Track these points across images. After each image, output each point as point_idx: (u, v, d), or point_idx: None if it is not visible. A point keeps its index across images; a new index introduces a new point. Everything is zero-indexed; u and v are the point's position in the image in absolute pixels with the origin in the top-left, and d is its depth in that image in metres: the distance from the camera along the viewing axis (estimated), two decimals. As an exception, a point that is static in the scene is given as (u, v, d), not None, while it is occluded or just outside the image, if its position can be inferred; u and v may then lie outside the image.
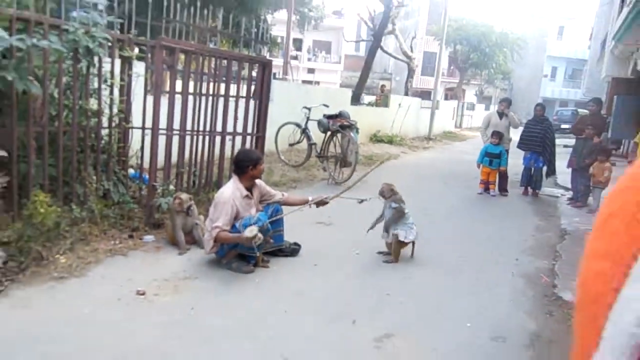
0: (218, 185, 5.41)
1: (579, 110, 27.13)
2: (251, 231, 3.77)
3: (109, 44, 4.56)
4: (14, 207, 3.91)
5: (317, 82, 29.46)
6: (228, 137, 5.64)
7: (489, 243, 5.42)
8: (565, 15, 44.65)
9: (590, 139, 7.35)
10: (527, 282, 4.21)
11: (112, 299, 3.37)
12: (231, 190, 4.13)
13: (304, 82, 27.13)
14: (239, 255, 4.11)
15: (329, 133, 8.24)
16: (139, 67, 5.08)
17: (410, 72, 23.82)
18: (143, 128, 5.02)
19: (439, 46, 20.72)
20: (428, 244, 5.00)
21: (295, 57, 32.42)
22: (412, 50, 24.20)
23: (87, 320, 3.09)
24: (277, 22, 25.22)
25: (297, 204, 4.56)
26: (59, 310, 3.18)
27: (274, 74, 23.44)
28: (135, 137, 5.18)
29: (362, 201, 4.52)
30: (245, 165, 4.19)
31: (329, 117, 8.18)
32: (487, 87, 40.78)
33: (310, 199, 4.56)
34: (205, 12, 5.34)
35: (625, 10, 11.62)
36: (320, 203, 4.54)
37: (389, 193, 4.43)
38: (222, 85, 5.49)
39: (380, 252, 4.58)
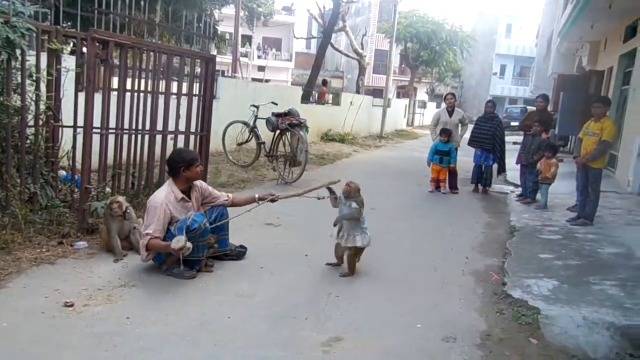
0: (159, 187, 5.11)
1: (528, 107, 28.13)
2: (178, 241, 3.53)
3: (33, 35, 4.18)
4: None
5: (268, 80, 29.12)
6: (170, 137, 5.35)
7: (439, 241, 5.39)
8: (512, 13, 46.30)
9: (538, 135, 7.50)
10: (477, 280, 4.17)
11: (35, 312, 3.08)
12: (164, 194, 3.87)
13: (253, 79, 26.75)
14: (179, 261, 3.86)
15: (278, 132, 8.05)
16: (69, 62, 4.72)
17: (362, 70, 23.98)
18: (75, 127, 4.66)
19: (390, 44, 20.91)
20: (377, 242, 4.90)
21: (245, 55, 31.97)
22: (362, 48, 24.35)
23: (6, 337, 2.80)
24: (225, 18, 24.80)
25: (244, 204, 4.34)
26: (-28, 327, 2.86)
27: (223, 71, 23.05)
28: (67, 136, 4.80)
29: (321, 198, 4.30)
30: (178, 167, 3.92)
31: (278, 115, 7.99)
32: (438, 85, 41.65)
33: (256, 196, 4.33)
34: (142, 3, 5.03)
35: (570, 7, 12.04)
36: (271, 201, 4.32)
37: (355, 193, 4.15)
38: (163, 82, 5.19)
39: (329, 264, 4.28)
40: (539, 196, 7.41)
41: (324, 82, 18.44)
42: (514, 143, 12.90)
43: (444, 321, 3.34)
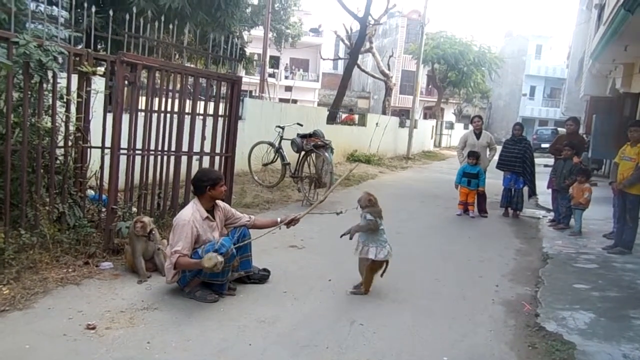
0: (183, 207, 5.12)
1: (559, 129, 27.54)
2: (209, 259, 3.50)
3: (63, 58, 4.28)
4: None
5: (295, 101, 29.37)
6: (195, 158, 5.37)
7: (467, 267, 5.22)
8: (542, 34, 45.79)
9: (569, 159, 7.28)
10: (507, 310, 3.99)
11: (58, 334, 3.08)
12: (190, 212, 3.87)
13: (281, 100, 27.02)
14: (203, 284, 3.83)
15: (303, 153, 8.03)
16: (99, 84, 4.81)
17: (388, 91, 23.95)
18: (103, 147, 4.73)
19: (416, 65, 20.87)
20: (403, 268, 4.79)
21: (272, 75, 32.38)
22: (389, 69, 24.37)
23: (26, 358, 2.80)
24: (254, 39, 25.25)
25: (266, 227, 4.30)
26: (-4, 348, 2.87)
27: (251, 91, 23.38)
28: (95, 156, 4.87)
29: (339, 213, 4.23)
30: (203, 185, 3.94)
31: (303, 136, 7.98)
32: (466, 106, 41.31)
33: (279, 220, 4.29)
34: (171, 27, 5.11)
35: (602, 28, 11.78)
36: (292, 222, 4.27)
37: (365, 202, 4.13)
38: (189, 103, 5.24)
39: (354, 291, 4.14)
40: (572, 222, 7.14)
41: (351, 111, 18.68)
42: (545, 166, 12.57)
43: (473, 354, 3.20)
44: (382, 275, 4.17)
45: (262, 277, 4.28)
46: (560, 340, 3.39)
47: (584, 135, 12.62)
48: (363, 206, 4.14)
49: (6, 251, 3.71)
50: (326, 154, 7.73)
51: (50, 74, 4.13)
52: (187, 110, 5.18)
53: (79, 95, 4.54)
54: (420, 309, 3.93)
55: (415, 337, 3.42)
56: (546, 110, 45.81)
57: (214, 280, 3.80)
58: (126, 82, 4.56)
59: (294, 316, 3.63)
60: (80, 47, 4.72)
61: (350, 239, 4.12)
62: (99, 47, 4.71)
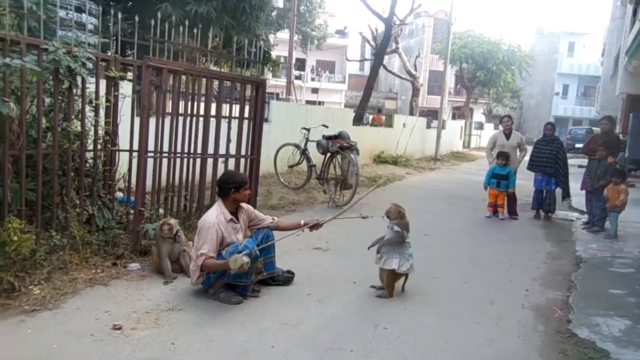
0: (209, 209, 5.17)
1: (594, 128, 26.72)
2: (235, 261, 3.51)
3: (91, 64, 4.38)
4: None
5: (321, 102, 29.39)
6: (221, 160, 5.41)
7: (496, 270, 5.10)
8: (574, 31, 44.58)
9: (604, 159, 7.03)
10: (538, 316, 3.87)
11: (85, 334, 3.14)
12: (215, 215, 3.90)
13: (307, 102, 27.07)
14: (227, 285, 3.85)
15: (328, 154, 8.01)
16: (126, 88, 4.90)
17: (415, 91, 23.72)
18: (130, 150, 4.82)
19: (444, 65, 20.62)
20: (429, 271, 4.71)
21: (299, 77, 32.49)
22: (416, 69, 24.13)
23: (54, 358, 2.86)
24: (280, 42, 25.38)
25: (289, 229, 4.30)
26: (25, 346, 2.95)
27: (277, 94, 23.50)
28: (123, 159, 4.97)
29: (365, 217, 4.21)
30: (228, 188, 3.96)
31: (328, 138, 7.96)
32: (495, 105, 40.58)
33: (302, 222, 4.28)
34: (195, 31, 5.18)
35: (638, 24, 11.38)
36: (315, 227, 4.26)
37: (394, 215, 4.09)
38: (214, 106, 5.29)
39: (373, 286, 4.21)
40: (607, 224, 6.90)
41: (379, 111, 18.58)
42: (579, 166, 12.20)
43: (500, 360, 3.11)
44: (403, 289, 4.14)
45: (286, 279, 4.27)
46: (593, 348, 3.27)
47: (620, 135, 12.20)
48: (392, 218, 4.09)
49: (37, 252, 3.80)
50: (352, 155, 7.69)
51: (79, 79, 4.23)
52: (212, 113, 5.22)
53: (107, 100, 4.64)
54: (446, 312, 3.86)
55: (439, 341, 3.35)
56: (580, 109, 44.58)
57: (237, 281, 3.81)
58: (152, 86, 4.63)
59: (318, 319, 3.61)
60: (110, 53, 4.81)
61: (377, 253, 4.09)
62: (128, 52, 4.79)
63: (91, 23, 5.04)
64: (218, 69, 9.55)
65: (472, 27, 31.80)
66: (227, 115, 5.59)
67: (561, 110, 44.55)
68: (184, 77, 5.03)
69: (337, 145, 7.74)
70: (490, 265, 5.25)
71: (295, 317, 3.59)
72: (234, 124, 5.57)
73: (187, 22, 4.89)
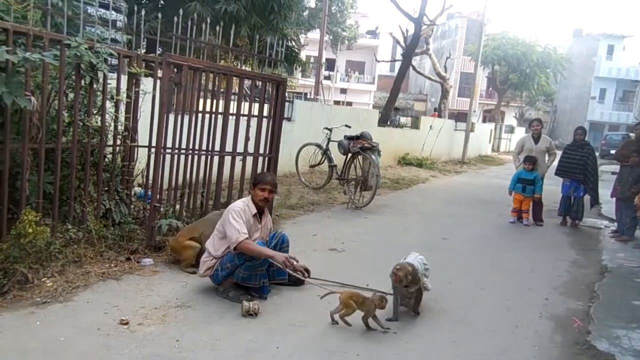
0: (226, 207, 5.17)
1: (631, 134, 25.82)
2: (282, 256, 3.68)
3: (116, 60, 4.44)
4: (2, 227, 3.75)
5: (349, 103, 29.27)
6: (238, 158, 5.42)
7: (516, 277, 4.94)
8: (614, 33, 43.13)
9: (637, 166, 6.75)
10: (556, 326, 3.73)
11: (92, 328, 3.15)
12: (243, 203, 3.95)
13: (335, 102, 26.99)
14: (237, 284, 3.83)
15: (349, 155, 7.93)
16: (147, 84, 4.95)
17: (444, 93, 23.38)
18: (149, 146, 4.86)
19: (474, 66, 20.26)
20: (445, 276, 4.59)
21: (328, 77, 32.44)
22: (446, 70, 23.77)
23: (59, 351, 2.88)
24: (311, 42, 25.38)
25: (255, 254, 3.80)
26: (32, 338, 2.98)
27: (305, 94, 23.53)
28: (142, 155, 5.02)
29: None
30: (252, 183, 4.07)
31: (350, 138, 7.89)
32: (528, 109, 39.64)
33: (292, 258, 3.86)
34: (219, 29, 5.19)
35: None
36: (298, 279, 4.06)
37: (406, 279, 3.53)
38: (234, 104, 5.30)
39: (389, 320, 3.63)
40: (638, 234, 6.61)
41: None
42: (613, 173, 11.77)
43: (513, 371, 3.00)
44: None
45: (297, 279, 4.23)
46: (612, 362, 3.12)
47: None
48: (403, 284, 3.56)
49: (52, 245, 3.85)
50: (373, 156, 7.60)
51: (100, 75, 4.28)
52: (231, 111, 5.23)
53: (128, 96, 4.69)
54: (459, 318, 3.75)
55: (451, 349, 3.25)
56: (617, 115, 43.10)
57: (247, 283, 3.80)
58: (172, 82, 4.66)
59: (326, 321, 3.54)
60: (139, 51, 4.87)
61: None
62: (158, 49, 4.86)
63: (120, 20, 5.11)
64: (246, 69, 9.61)
65: (506, 28, 31.26)
66: (247, 113, 5.59)
67: (597, 115, 43.19)
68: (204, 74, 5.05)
69: (359, 146, 7.66)
70: (509, 272, 5.09)
71: (304, 319, 3.55)
72: (254, 122, 5.56)
73: (216, 21, 4.92)
